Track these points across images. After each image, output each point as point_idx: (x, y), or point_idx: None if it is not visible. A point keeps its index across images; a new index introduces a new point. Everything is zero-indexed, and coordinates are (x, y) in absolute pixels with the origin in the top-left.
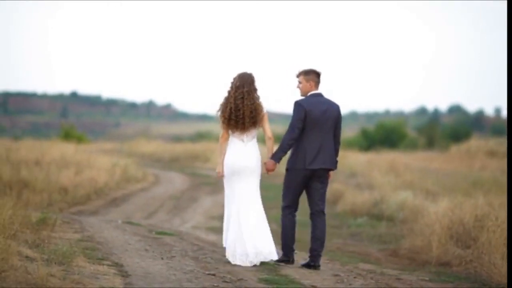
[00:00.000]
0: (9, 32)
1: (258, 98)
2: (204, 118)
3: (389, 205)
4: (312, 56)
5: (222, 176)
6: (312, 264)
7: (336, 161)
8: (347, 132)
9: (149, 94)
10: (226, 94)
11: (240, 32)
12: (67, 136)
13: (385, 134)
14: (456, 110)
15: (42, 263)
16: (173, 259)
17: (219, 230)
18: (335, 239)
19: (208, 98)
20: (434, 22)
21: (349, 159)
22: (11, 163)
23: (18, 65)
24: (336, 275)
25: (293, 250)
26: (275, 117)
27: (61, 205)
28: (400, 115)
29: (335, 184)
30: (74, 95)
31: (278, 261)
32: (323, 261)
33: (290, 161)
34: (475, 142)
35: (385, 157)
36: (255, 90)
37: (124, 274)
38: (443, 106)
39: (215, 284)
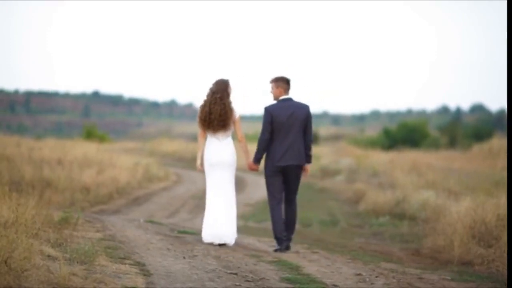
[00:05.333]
0: (32, 31)
1: (230, 103)
2: None
3: (411, 204)
4: (335, 56)
5: (200, 170)
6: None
7: (310, 156)
8: (369, 131)
9: (171, 93)
10: (205, 98)
11: (263, 34)
12: (89, 135)
13: (407, 133)
14: (478, 109)
15: (64, 262)
16: (195, 258)
17: (241, 229)
18: (357, 238)
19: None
20: (457, 20)
21: (371, 158)
22: (34, 162)
23: (41, 64)
24: (358, 274)
25: (284, 239)
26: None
27: (83, 204)
28: (422, 114)
29: (357, 183)
30: (96, 94)
31: (274, 250)
32: (345, 260)
33: (265, 160)
34: (498, 141)
35: (407, 157)
36: (227, 96)
37: (146, 273)
38: (465, 105)
39: (237, 283)
